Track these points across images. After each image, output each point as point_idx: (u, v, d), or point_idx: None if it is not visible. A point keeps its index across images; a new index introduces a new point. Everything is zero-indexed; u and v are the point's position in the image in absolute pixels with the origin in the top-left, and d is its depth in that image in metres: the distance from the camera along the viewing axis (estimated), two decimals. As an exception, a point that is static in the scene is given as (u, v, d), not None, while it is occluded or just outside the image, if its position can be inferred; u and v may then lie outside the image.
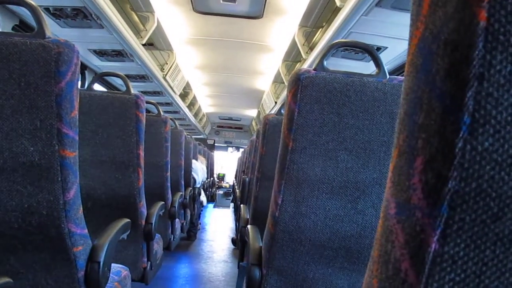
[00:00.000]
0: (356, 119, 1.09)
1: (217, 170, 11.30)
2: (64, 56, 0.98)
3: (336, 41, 1.23)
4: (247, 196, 2.86)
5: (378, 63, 1.17)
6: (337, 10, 2.49)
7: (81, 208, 1.12)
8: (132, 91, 1.86)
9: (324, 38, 2.83)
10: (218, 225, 6.31)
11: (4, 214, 1.01)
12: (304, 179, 1.10)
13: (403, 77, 1.01)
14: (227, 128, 11.56)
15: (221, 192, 9.57)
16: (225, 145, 11.88)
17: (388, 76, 1.14)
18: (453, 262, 0.28)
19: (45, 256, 1.10)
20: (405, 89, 0.33)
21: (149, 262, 2.00)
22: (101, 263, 1.16)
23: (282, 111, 2.03)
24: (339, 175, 1.10)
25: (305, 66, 3.52)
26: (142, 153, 1.84)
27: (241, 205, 2.60)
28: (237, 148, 11.89)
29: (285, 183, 1.12)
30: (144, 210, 1.94)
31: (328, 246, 1.16)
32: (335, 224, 1.13)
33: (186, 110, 7.00)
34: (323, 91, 1.08)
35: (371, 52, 1.20)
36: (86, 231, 1.14)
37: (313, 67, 1.12)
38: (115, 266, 1.43)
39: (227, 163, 12.25)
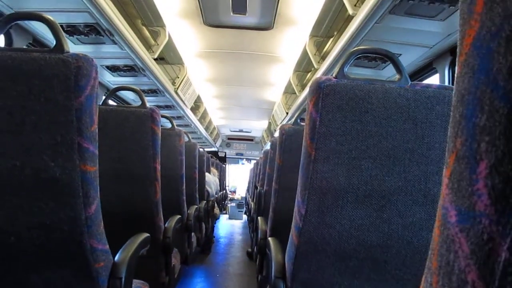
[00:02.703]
0: (379, 127, 1.07)
1: (228, 183, 11.30)
2: (83, 70, 0.98)
3: (356, 48, 1.22)
4: (264, 208, 2.84)
5: (399, 69, 1.16)
6: (349, 18, 2.48)
7: (102, 224, 1.11)
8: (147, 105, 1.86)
9: (336, 47, 2.82)
10: (232, 238, 6.28)
11: (26, 231, 1.01)
12: (328, 189, 1.08)
13: (426, 83, 0.98)
14: (238, 140, 11.57)
15: (233, 204, 9.56)
16: (236, 157, 11.87)
17: (410, 82, 1.12)
18: None
19: (67, 273, 1.09)
20: (459, 91, 0.32)
21: (167, 277, 1.99)
22: (123, 279, 1.15)
23: (298, 121, 2.02)
24: (363, 183, 1.08)
25: (317, 75, 3.51)
26: (158, 167, 1.83)
27: (258, 217, 2.58)
28: (248, 160, 11.88)
29: (309, 193, 1.10)
30: (161, 224, 1.93)
31: (354, 256, 1.13)
32: (360, 234, 1.10)
33: (198, 123, 7.02)
34: (344, 98, 1.07)
35: (392, 58, 1.19)
36: (107, 246, 1.13)
37: (334, 75, 1.11)
38: (135, 282, 1.41)
39: (238, 175, 12.23)
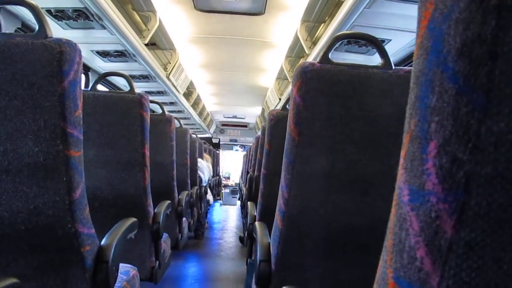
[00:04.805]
0: (362, 111, 1.08)
1: (222, 169, 11.31)
2: (67, 55, 0.97)
3: (340, 33, 1.22)
4: (254, 193, 2.85)
5: (383, 54, 1.16)
6: (339, 3, 2.47)
7: (88, 208, 1.11)
8: (136, 90, 1.86)
9: (327, 32, 2.81)
10: (225, 223, 6.32)
11: (10, 216, 1.01)
12: (311, 173, 1.09)
13: (411, 66, 0.99)
14: (232, 126, 11.55)
15: (227, 190, 9.59)
16: (230, 143, 11.86)
17: (393, 67, 1.13)
18: (470, 249, 0.27)
19: (53, 257, 1.10)
20: (415, 73, 0.33)
21: (157, 262, 2.00)
22: (109, 263, 1.16)
23: (287, 106, 2.03)
24: (347, 168, 1.09)
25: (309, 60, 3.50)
26: (147, 152, 1.83)
27: (248, 202, 2.60)
28: (243, 146, 11.88)
29: (293, 177, 1.11)
30: (151, 209, 1.94)
31: (337, 240, 1.15)
32: (344, 217, 1.12)
33: (191, 109, 6.99)
34: (328, 83, 1.07)
35: (376, 43, 1.19)
36: (93, 230, 1.14)
37: (318, 60, 1.11)
38: (123, 266, 1.42)
39: (232, 161, 12.24)
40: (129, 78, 1.92)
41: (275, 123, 1.92)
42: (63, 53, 0.97)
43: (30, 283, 1.09)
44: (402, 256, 0.32)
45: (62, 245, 1.07)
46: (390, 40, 2.59)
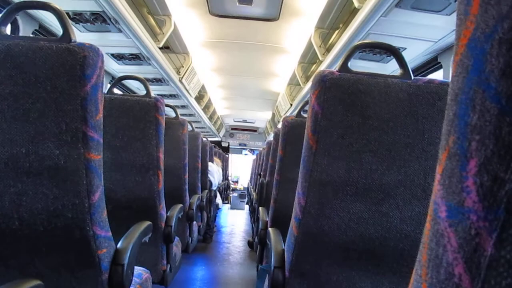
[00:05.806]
0: (380, 121, 1.08)
1: (231, 173, 11.32)
2: (90, 59, 0.99)
3: (360, 42, 1.22)
4: (265, 199, 2.85)
5: (403, 64, 1.16)
6: (355, 11, 2.47)
7: (105, 211, 1.12)
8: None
9: (341, 40, 2.82)
10: (233, 227, 6.32)
11: (30, 217, 1.02)
12: (328, 181, 1.09)
13: (428, 78, 0.99)
14: (242, 130, 11.56)
15: (235, 194, 9.59)
16: (240, 147, 11.88)
17: (412, 77, 1.13)
18: (510, 267, 0.27)
19: (70, 259, 1.11)
20: (453, 90, 0.33)
21: (168, 265, 2.01)
22: (125, 266, 1.17)
23: (301, 113, 2.03)
24: (363, 177, 1.09)
25: (322, 67, 3.50)
26: (162, 156, 1.84)
27: (260, 208, 2.60)
28: (252, 150, 11.88)
29: (309, 185, 1.11)
30: (163, 213, 1.95)
31: (352, 248, 1.14)
32: (359, 226, 1.11)
33: (201, 113, 7.02)
34: (347, 92, 1.07)
35: (396, 53, 1.19)
36: (110, 233, 1.15)
37: (336, 68, 1.12)
38: (136, 269, 1.43)
39: (241, 165, 12.25)
40: (146, 82, 1.93)
41: (289, 129, 1.93)
42: (86, 57, 0.98)
43: (46, 284, 1.10)
44: (438, 271, 0.32)
45: (79, 247, 1.08)
46: (405, 48, 2.59)
